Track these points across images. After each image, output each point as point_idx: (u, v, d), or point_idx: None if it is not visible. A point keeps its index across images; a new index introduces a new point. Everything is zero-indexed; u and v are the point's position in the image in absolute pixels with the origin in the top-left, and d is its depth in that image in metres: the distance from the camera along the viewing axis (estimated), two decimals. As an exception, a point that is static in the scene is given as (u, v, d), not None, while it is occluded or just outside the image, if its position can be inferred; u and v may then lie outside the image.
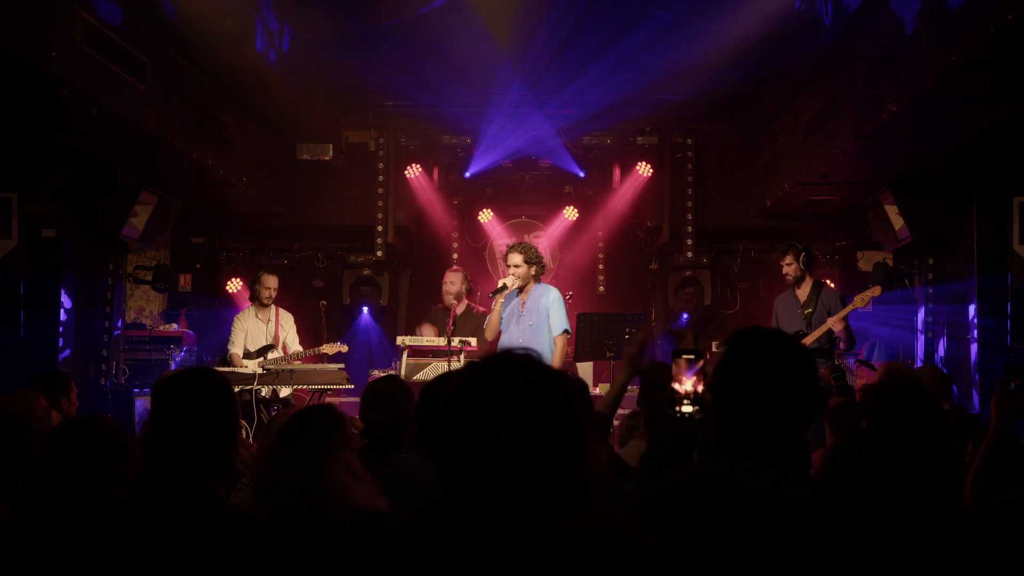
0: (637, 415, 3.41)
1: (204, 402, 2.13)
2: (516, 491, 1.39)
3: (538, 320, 6.42)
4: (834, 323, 6.54)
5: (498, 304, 6.49)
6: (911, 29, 5.23)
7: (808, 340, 6.56)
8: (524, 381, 1.45)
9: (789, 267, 6.85)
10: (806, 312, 6.75)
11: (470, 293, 7.83)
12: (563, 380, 1.47)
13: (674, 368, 1.93)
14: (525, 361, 1.47)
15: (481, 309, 7.71)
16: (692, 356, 1.93)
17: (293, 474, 2.46)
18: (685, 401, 1.93)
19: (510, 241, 9.96)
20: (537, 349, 6.01)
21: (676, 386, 1.93)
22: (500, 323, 6.53)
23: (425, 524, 1.58)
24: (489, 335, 6.49)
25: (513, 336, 6.40)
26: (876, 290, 6.86)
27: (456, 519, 1.45)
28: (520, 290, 6.49)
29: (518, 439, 1.39)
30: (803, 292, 6.88)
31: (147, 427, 2.19)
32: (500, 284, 6.43)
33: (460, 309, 7.47)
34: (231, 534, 2.01)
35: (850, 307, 6.64)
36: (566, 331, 6.47)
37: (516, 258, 6.41)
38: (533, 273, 6.44)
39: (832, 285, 7.67)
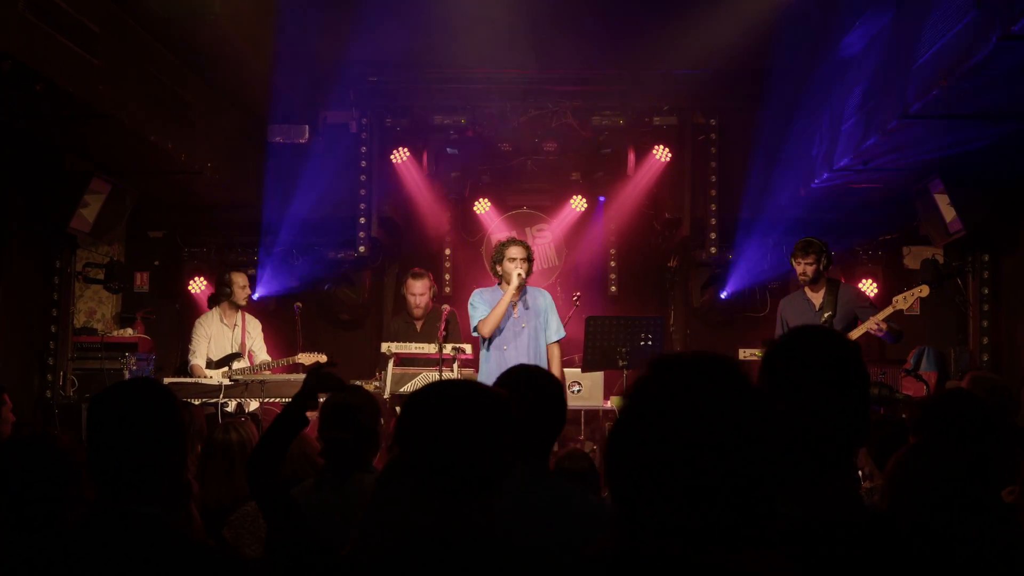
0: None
1: (144, 418, 2.11)
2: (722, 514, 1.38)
3: (535, 323, 6.65)
4: (873, 325, 6.43)
5: (506, 299, 6.53)
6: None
7: None
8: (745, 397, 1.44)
9: (809, 267, 6.67)
10: (826, 315, 6.63)
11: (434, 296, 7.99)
12: None
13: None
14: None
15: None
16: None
17: None
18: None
19: (511, 234, 9.95)
20: (536, 353, 5.88)
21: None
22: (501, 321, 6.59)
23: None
24: (487, 330, 6.50)
25: (508, 339, 6.57)
26: (923, 290, 6.67)
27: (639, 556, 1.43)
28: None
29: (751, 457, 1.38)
30: (815, 294, 6.76)
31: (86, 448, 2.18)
32: (516, 276, 6.45)
33: (447, 313, 7.44)
34: (178, 569, 1.99)
35: (890, 309, 6.50)
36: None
37: (522, 252, 6.57)
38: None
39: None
